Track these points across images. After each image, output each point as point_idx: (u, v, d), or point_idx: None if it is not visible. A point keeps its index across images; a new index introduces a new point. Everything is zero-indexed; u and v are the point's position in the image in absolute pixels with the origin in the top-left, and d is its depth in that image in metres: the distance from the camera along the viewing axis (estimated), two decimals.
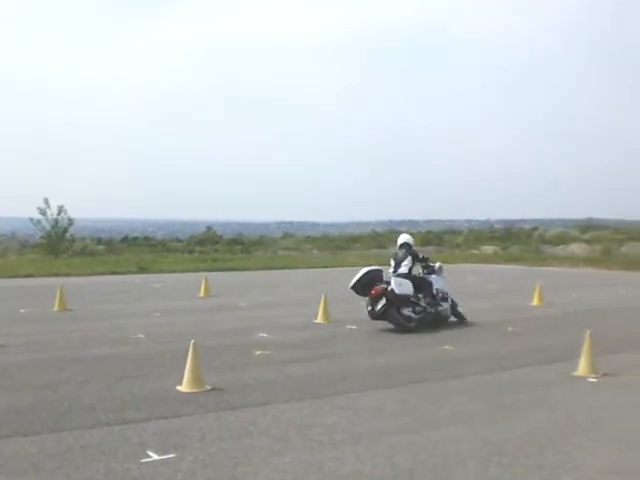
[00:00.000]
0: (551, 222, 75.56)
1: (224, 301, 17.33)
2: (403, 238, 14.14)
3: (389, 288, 12.66)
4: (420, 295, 13.30)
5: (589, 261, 35.38)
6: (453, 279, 24.70)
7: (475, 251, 48.29)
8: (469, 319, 14.09)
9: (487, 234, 60.13)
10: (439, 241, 56.78)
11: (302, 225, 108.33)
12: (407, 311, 12.90)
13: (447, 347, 11.03)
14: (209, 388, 7.90)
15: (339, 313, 14.31)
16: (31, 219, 38.82)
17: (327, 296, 13.99)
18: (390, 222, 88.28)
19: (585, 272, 30.66)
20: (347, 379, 8.61)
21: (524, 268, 32.85)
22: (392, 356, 10.32)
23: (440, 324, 13.41)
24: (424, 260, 14.10)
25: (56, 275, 24.62)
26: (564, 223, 70.25)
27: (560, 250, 45.79)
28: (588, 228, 55.86)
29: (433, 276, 13.82)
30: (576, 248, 46.13)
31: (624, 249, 42.64)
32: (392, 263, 13.70)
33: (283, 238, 64.06)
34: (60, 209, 38.61)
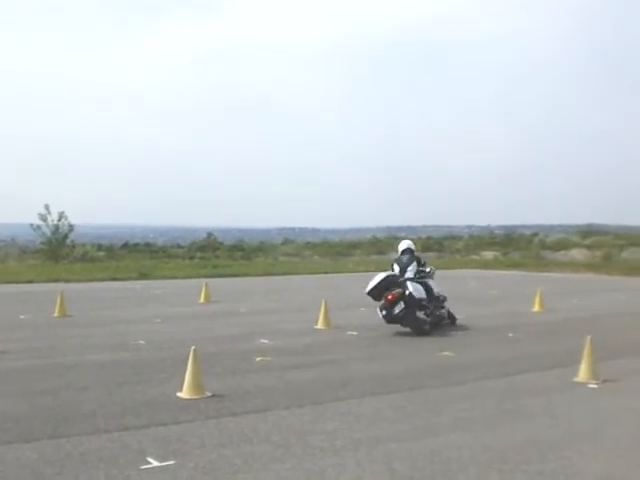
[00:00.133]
0: (551, 228, 75.55)
1: (225, 307, 17.32)
2: (406, 244, 14.32)
3: (407, 292, 12.91)
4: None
5: (590, 267, 35.34)
6: (453, 285, 24.71)
7: (475, 257, 48.25)
8: (470, 325, 14.13)
9: (487, 240, 60.07)
10: (439, 247, 56.75)
11: (302, 231, 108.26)
12: (422, 314, 13.17)
13: (447, 353, 11.02)
14: (209, 394, 7.89)
15: (340, 319, 14.31)
16: (31, 225, 38.84)
17: (327, 302, 13.99)
18: (389, 228, 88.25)
19: (586, 278, 30.63)
20: (348, 385, 8.60)
21: (524, 274, 32.82)
22: (392, 362, 10.31)
23: (440, 329, 13.49)
24: (424, 265, 14.21)
25: (56, 281, 24.60)
26: (564, 229, 70.19)
27: (561, 256, 45.78)
28: (589, 234, 55.78)
29: (431, 280, 13.94)
30: (577, 254, 46.12)
31: (625, 255, 42.61)
32: (396, 268, 13.76)
33: (283, 244, 64.02)
34: (61, 215, 38.66)
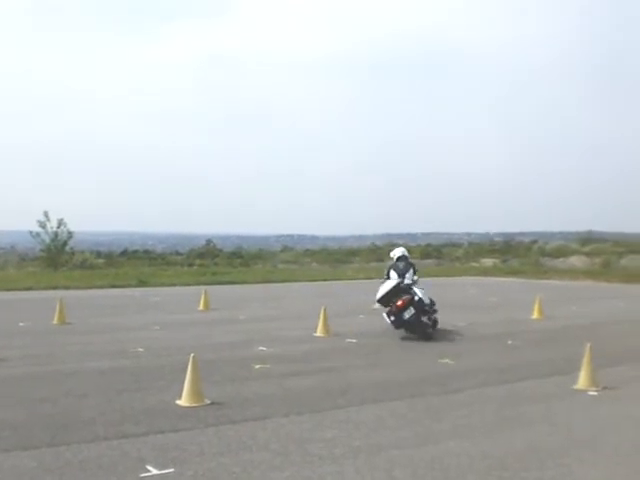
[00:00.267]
0: (551, 235, 75.64)
1: (224, 314, 17.31)
2: (400, 251, 14.73)
3: (416, 298, 13.33)
4: None
5: (589, 274, 35.37)
6: (453, 292, 24.73)
7: (475, 264, 48.28)
8: (469, 333, 14.21)
9: (487, 247, 60.17)
10: (439, 254, 56.82)
11: (301, 238, 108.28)
12: (426, 319, 13.50)
13: (446, 360, 11.02)
14: (208, 402, 7.88)
15: (339, 326, 14.30)
16: (31, 232, 38.82)
17: (327, 309, 13.99)
18: (389, 235, 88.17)
19: (585, 285, 30.65)
20: (347, 393, 8.59)
21: (524, 281, 32.83)
22: (391, 370, 10.31)
23: (439, 336, 13.53)
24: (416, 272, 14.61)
25: (55, 288, 24.57)
26: (564, 236, 70.26)
27: (560, 263, 45.82)
28: (588, 241, 55.84)
29: (420, 287, 14.21)
30: (576, 261, 46.17)
31: (624, 262, 42.66)
32: (394, 275, 14.03)
33: (282, 251, 64.08)
34: (60, 222, 38.61)
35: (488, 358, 11.42)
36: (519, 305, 20.04)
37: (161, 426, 6.93)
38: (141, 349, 11.76)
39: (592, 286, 30.02)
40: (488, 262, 48.21)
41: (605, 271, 37.45)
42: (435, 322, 13.87)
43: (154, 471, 5.60)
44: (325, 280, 32.03)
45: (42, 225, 38.21)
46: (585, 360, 8.96)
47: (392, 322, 13.52)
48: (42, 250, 39.10)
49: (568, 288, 28.63)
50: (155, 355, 11.26)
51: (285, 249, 67.58)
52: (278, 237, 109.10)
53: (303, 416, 7.45)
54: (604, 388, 8.86)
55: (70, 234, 38.98)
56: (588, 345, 8.91)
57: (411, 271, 14.13)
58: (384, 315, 13.87)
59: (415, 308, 13.31)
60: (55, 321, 15.11)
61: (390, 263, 14.72)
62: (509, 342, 13.06)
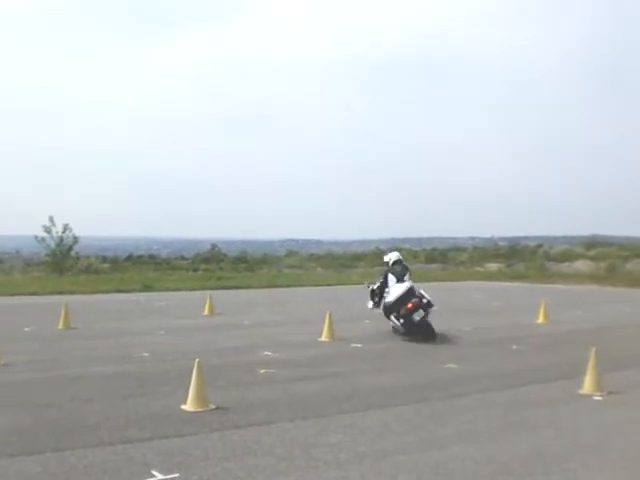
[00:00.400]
0: (555, 239, 75.42)
1: (228, 319, 17.32)
2: (396, 255, 15.20)
3: (424, 300, 13.69)
4: None
5: (594, 278, 35.31)
6: (457, 297, 24.71)
7: (479, 268, 48.24)
8: (474, 337, 14.26)
9: (492, 251, 60.14)
10: (443, 258, 56.83)
11: (306, 243, 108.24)
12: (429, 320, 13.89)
13: (451, 365, 11.00)
14: (213, 407, 7.88)
15: (344, 331, 14.29)
16: (36, 237, 38.96)
17: (332, 314, 13.99)
18: (393, 240, 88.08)
19: (590, 289, 30.59)
20: (352, 398, 8.59)
21: (529, 285, 32.78)
22: (396, 374, 10.30)
23: (444, 341, 13.55)
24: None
25: (61, 293, 24.64)
26: (569, 240, 70.15)
27: (565, 267, 45.75)
28: (593, 245, 55.82)
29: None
30: (581, 265, 46.10)
31: (629, 266, 42.55)
32: (392, 278, 14.44)
33: (287, 256, 64.13)
34: (65, 227, 38.79)
35: (493, 363, 11.41)
36: (524, 309, 20.00)
37: (166, 431, 6.94)
38: (146, 354, 11.77)
39: (597, 290, 29.96)
40: (493, 266, 48.18)
41: (610, 275, 37.40)
42: None
43: (159, 476, 5.60)
44: (330, 285, 32.03)
45: (47, 230, 38.39)
46: (590, 365, 8.93)
47: (402, 325, 13.77)
48: (47, 255, 39.24)
49: (573, 292, 28.57)
50: (160, 360, 11.27)
51: (290, 254, 67.62)
52: (283, 242, 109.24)
53: (308, 421, 7.44)
54: (609, 393, 8.83)
55: (75, 239, 39.12)
56: (593, 350, 8.89)
57: (408, 274, 14.59)
58: (392, 318, 14.08)
59: (424, 310, 13.64)
60: (60, 326, 15.14)
61: (386, 268, 15.01)
62: (514, 347, 13.03)
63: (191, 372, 7.94)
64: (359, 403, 8.30)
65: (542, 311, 17.33)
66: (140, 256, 59.78)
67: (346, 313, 17.85)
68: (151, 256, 61.43)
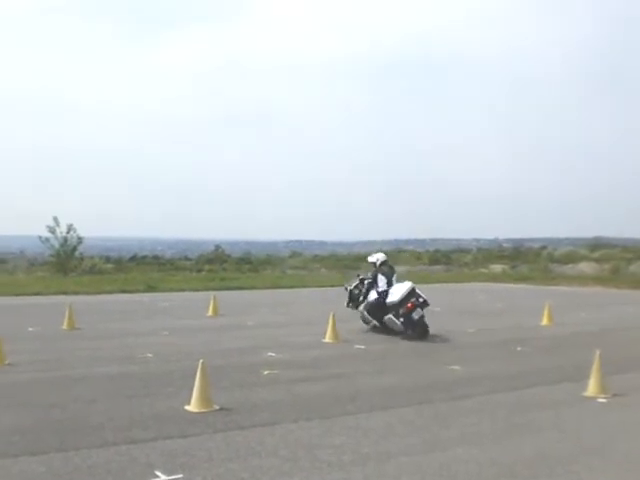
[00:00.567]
0: (560, 241, 75.32)
1: (232, 320, 17.33)
2: (383, 256, 15.65)
3: (422, 300, 14.07)
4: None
5: (598, 280, 35.25)
6: (461, 298, 24.68)
7: (483, 270, 48.18)
8: (478, 339, 14.25)
9: (496, 253, 60.05)
10: (447, 260, 56.77)
11: (310, 244, 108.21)
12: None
13: (455, 367, 10.99)
14: (217, 408, 7.89)
15: (347, 332, 14.30)
16: (40, 237, 39.01)
17: (335, 315, 13.99)
18: (397, 241, 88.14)
19: (594, 291, 30.53)
20: (356, 399, 8.58)
21: (533, 287, 32.74)
22: (400, 376, 10.29)
23: (448, 342, 13.55)
24: None
25: (65, 293, 24.66)
26: (573, 242, 69.98)
27: (569, 269, 45.66)
28: (597, 247, 55.67)
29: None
30: (585, 267, 45.99)
31: (633, 268, 42.45)
32: (382, 279, 14.89)
33: (291, 257, 64.10)
34: (69, 227, 38.84)
35: (497, 364, 11.39)
36: (528, 311, 19.97)
37: (170, 432, 6.94)
38: (150, 355, 11.78)
39: (601, 292, 29.91)
40: (497, 268, 48.11)
41: (614, 277, 37.33)
42: None
43: (163, 477, 5.60)
44: (334, 286, 31.97)
45: (52, 230, 38.46)
46: (595, 367, 8.91)
47: (402, 323, 14.02)
48: (51, 255, 39.29)
49: (577, 294, 28.52)
50: (164, 361, 11.28)
51: (294, 255, 67.59)
52: (287, 243, 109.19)
53: (312, 422, 7.44)
54: (614, 395, 8.82)
55: (80, 239, 39.17)
56: (597, 352, 8.87)
57: (395, 274, 15.17)
58: (391, 317, 14.22)
59: (422, 309, 14.06)
60: (64, 326, 15.16)
61: (374, 268, 15.37)
62: (518, 348, 13.02)
63: (195, 373, 7.95)
64: (363, 404, 8.30)
65: (546, 313, 17.31)
66: (144, 257, 59.83)
67: (350, 314, 17.83)
68: (155, 257, 61.52)
